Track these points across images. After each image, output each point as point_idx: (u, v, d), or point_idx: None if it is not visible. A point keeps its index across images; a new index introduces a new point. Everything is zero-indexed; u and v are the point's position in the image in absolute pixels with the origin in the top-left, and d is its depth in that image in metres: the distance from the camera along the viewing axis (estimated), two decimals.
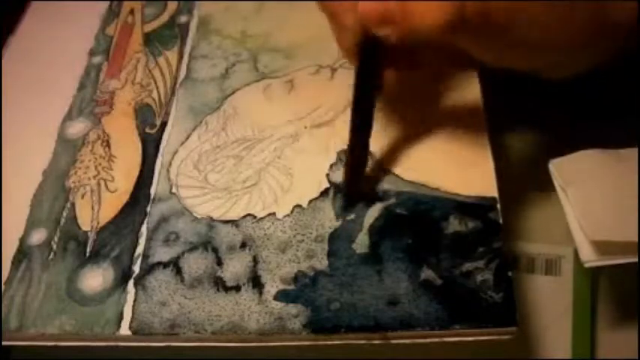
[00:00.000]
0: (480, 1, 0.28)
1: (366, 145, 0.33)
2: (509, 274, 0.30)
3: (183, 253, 0.33)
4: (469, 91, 0.38)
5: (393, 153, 0.36)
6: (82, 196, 0.37)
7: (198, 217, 0.35)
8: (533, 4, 0.28)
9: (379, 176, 0.35)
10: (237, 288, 0.32)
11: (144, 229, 0.35)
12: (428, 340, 0.30)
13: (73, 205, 0.36)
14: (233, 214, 0.34)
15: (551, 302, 0.34)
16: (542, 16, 0.28)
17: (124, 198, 0.36)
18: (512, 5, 0.28)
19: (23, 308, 0.32)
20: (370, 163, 0.35)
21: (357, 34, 0.31)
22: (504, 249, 0.31)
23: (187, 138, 0.38)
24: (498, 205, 0.33)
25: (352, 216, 0.33)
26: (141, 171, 0.37)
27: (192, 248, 0.33)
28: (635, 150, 0.33)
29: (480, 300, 0.30)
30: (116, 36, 0.46)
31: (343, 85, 0.39)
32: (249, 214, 0.34)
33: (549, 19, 0.29)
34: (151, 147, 0.38)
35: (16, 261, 0.34)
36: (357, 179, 0.34)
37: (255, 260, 0.32)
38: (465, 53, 0.31)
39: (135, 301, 0.32)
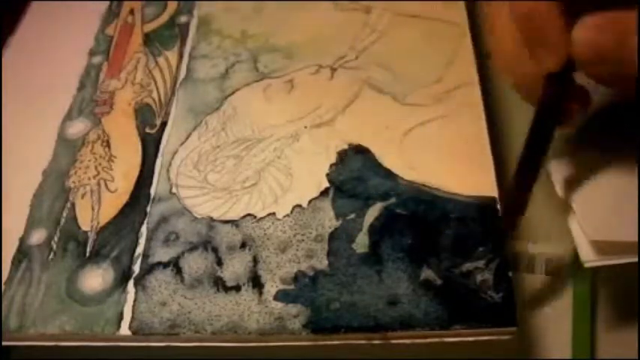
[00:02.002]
0: None
1: (531, 186, 0.31)
2: (509, 274, 0.30)
3: (183, 253, 0.33)
4: (470, 91, 0.38)
5: (393, 153, 0.36)
6: (82, 196, 0.37)
7: (198, 217, 0.35)
8: None
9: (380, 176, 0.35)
10: (237, 288, 0.32)
11: (144, 229, 0.35)
12: (428, 340, 0.30)
13: (73, 205, 0.36)
14: (233, 214, 0.34)
15: (551, 302, 0.34)
16: None
17: (124, 198, 0.36)
18: None
19: (23, 308, 0.32)
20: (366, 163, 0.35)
21: (557, 65, 0.29)
22: (504, 249, 0.31)
23: (187, 138, 0.38)
24: (498, 205, 0.33)
25: (352, 216, 0.33)
26: (141, 171, 0.37)
27: (192, 248, 0.33)
28: (635, 150, 0.33)
29: (480, 300, 0.30)
30: (116, 36, 0.46)
31: (343, 85, 0.40)
32: (249, 214, 0.34)
33: None
34: (151, 147, 0.38)
35: (16, 261, 0.34)
36: (514, 224, 0.32)
37: (255, 260, 0.32)
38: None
39: (135, 301, 0.32)
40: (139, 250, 0.34)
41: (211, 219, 0.34)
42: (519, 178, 0.31)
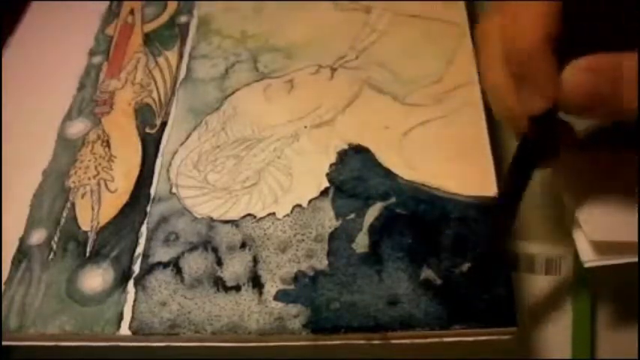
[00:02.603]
0: None
1: (515, 213, 0.30)
2: (509, 274, 0.30)
3: (183, 253, 0.33)
4: (469, 91, 0.38)
5: (393, 153, 0.36)
6: (82, 196, 0.37)
7: (198, 217, 0.35)
8: None
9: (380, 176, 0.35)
10: (237, 288, 0.32)
11: (144, 229, 0.35)
12: (428, 340, 0.30)
13: (73, 205, 0.36)
14: (233, 214, 0.34)
15: (551, 302, 0.34)
16: None
17: (124, 198, 0.36)
18: None
19: (23, 308, 0.32)
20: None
21: (543, 108, 0.27)
22: (504, 249, 0.31)
23: (187, 138, 0.38)
24: None
25: (352, 216, 0.33)
26: (141, 171, 0.37)
27: (192, 248, 0.33)
28: (635, 150, 0.32)
29: (480, 300, 0.30)
30: (116, 36, 0.46)
31: (343, 84, 0.40)
32: (249, 214, 0.34)
33: None
34: (151, 147, 0.38)
35: (16, 261, 0.34)
36: (500, 248, 0.31)
37: (255, 260, 0.32)
38: None
39: (135, 301, 0.32)
40: (139, 250, 0.34)
41: (211, 219, 0.34)
42: (501, 210, 0.31)
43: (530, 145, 0.29)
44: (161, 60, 0.43)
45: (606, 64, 0.26)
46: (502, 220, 0.31)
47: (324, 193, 0.35)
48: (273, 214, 0.34)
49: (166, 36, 0.45)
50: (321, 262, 0.32)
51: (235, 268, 0.32)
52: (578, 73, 0.26)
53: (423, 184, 0.34)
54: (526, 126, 0.28)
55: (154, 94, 0.41)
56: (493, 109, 0.31)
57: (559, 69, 0.27)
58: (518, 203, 0.30)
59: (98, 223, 0.35)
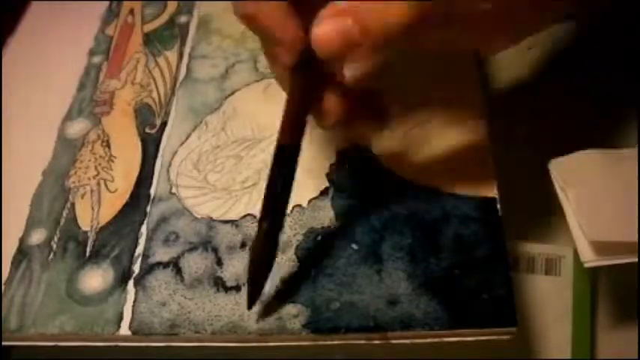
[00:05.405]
0: None
1: (284, 210, 0.29)
2: (509, 274, 0.30)
3: (183, 253, 0.33)
4: (470, 91, 0.38)
5: (394, 153, 0.36)
6: (82, 196, 0.37)
7: (198, 217, 0.35)
8: None
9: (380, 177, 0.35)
10: (237, 288, 0.32)
11: (144, 229, 0.35)
12: (428, 340, 0.29)
13: (73, 205, 0.36)
14: (233, 214, 0.34)
15: (551, 302, 0.34)
16: None
17: (124, 198, 0.36)
18: None
19: (23, 308, 0.32)
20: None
21: (291, 61, 0.28)
22: (504, 249, 0.31)
23: (187, 138, 0.38)
24: (498, 205, 0.33)
25: (352, 215, 0.33)
26: (141, 171, 0.37)
27: (192, 248, 0.33)
28: (635, 150, 0.33)
29: (480, 300, 0.30)
30: (116, 36, 0.46)
31: None
32: (249, 214, 0.34)
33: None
34: (151, 147, 0.38)
35: (16, 261, 0.34)
36: (264, 275, 0.30)
37: None
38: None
39: (135, 301, 0.32)
40: (139, 250, 0.34)
41: (211, 219, 0.34)
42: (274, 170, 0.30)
43: (294, 100, 0.29)
44: (161, 60, 0.43)
45: (347, 6, 0.26)
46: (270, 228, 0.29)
47: (324, 193, 0.35)
48: None
49: (166, 36, 0.45)
50: (321, 262, 0.32)
51: (235, 268, 0.32)
52: (322, 23, 0.26)
53: (423, 184, 0.34)
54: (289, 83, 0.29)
55: (154, 94, 0.41)
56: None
57: (304, 22, 0.27)
58: (290, 193, 0.29)
59: (98, 223, 0.35)
